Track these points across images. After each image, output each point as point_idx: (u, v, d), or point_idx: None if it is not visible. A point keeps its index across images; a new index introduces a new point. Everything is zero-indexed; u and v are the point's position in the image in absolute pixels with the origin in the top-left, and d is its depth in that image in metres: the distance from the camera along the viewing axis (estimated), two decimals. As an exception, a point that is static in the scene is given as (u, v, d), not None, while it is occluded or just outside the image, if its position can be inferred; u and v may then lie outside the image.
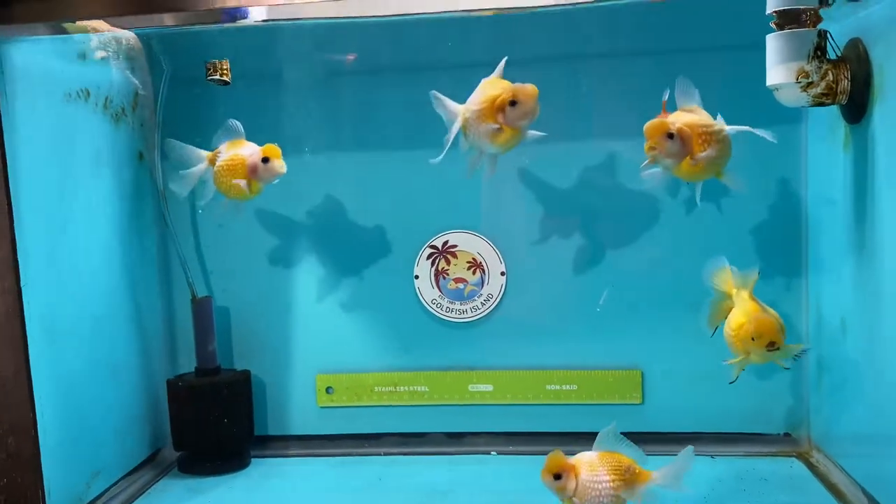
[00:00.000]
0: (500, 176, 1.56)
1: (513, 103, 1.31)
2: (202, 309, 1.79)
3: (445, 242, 1.81)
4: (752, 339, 1.35)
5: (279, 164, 1.53)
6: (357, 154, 1.80)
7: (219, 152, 1.59)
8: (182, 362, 1.88)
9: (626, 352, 1.81)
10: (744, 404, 1.77)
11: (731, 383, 1.42)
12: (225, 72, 1.67)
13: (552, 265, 1.79)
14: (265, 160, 1.53)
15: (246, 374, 1.83)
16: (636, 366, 1.81)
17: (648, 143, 1.33)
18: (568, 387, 1.83)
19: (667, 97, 1.32)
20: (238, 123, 1.58)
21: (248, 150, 1.56)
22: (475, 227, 1.80)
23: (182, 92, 1.78)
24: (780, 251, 1.75)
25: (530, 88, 1.33)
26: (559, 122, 1.68)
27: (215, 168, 1.57)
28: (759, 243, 1.76)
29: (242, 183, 1.55)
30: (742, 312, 1.38)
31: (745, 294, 1.41)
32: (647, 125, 1.34)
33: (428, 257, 1.82)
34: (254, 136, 1.58)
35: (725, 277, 1.44)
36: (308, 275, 1.86)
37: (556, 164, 1.78)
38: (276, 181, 1.55)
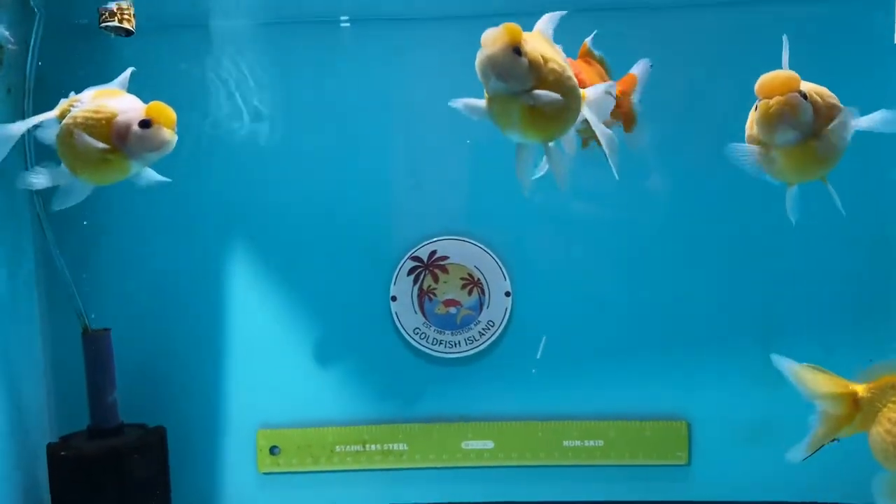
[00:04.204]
0: (505, 167, 1.20)
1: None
2: (98, 346, 1.43)
3: (433, 253, 1.52)
4: None
5: (165, 133, 1.11)
6: (315, 136, 1.51)
7: (75, 102, 1.15)
8: (70, 419, 1.51)
9: (669, 397, 1.52)
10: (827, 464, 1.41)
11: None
12: (126, 17, 1.35)
13: (572, 284, 1.52)
14: (145, 123, 1.10)
15: (159, 433, 1.48)
16: (681, 415, 1.52)
17: (774, 101, 0.97)
18: (592, 443, 1.53)
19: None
20: (128, 71, 1.18)
21: (123, 104, 1.13)
22: (471, 232, 1.52)
23: (66, 45, 1.44)
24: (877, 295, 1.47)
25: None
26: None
27: (62, 124, 1.13)
28: (848, 281, 1.48)
29: (99, 145, 1.10)
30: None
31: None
32: (771, 77, 0.99)
33: (409, 272, 1.52)
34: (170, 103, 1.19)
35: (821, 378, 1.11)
36: (246, 297, 1.55)
37: (580, 153, 1.42)
38: (156, 160, 1.15)
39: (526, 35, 0.93)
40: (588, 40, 1.16)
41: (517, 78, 0.91)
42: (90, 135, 1.10)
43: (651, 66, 1.21)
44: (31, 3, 1.35)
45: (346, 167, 1.50)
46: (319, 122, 1.50)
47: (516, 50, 0.90)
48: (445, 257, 1.52)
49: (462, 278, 1.52)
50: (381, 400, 1.55)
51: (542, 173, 1.11)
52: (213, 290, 1.53)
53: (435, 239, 1.51)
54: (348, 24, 1.48)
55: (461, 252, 1.51)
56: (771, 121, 0.97)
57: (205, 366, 1.54)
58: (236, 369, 1.55)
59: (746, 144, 1.03)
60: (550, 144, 1.00)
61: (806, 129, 0.99)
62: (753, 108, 1.00)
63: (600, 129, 1.02)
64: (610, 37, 1.30)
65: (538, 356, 1.51)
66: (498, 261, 1.51)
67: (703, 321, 1.49)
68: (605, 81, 1.16)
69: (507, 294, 1.51)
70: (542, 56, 0.92)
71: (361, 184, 1.51)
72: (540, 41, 0.95)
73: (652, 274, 1.50)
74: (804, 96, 0.98)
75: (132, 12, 1.36)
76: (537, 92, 0.92)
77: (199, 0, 1.45)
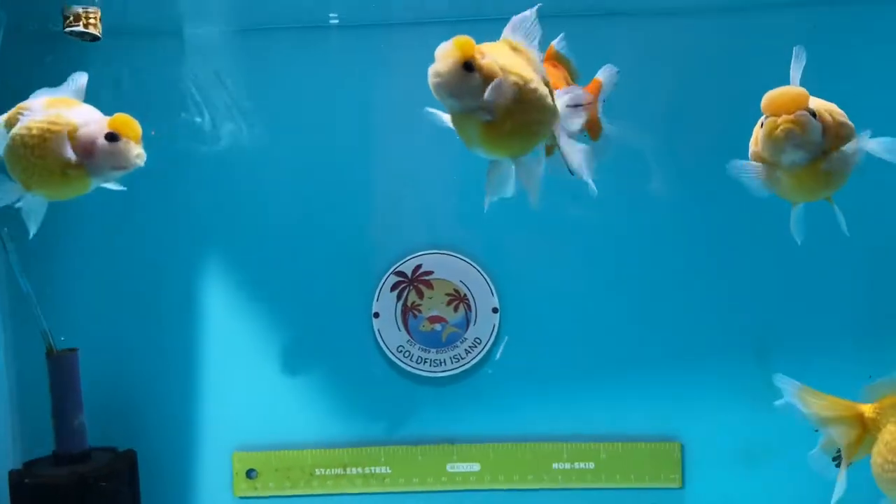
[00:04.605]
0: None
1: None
2: (63, 367, 1.37)
3: (417, 267, 1.48)
4: None
5: (133, 149, 1.04)
6: (293, 145, 1.47)
7: (23, 110, 1.06)
8: (34, 444, 1.45)
9: (662, 417, 1.47)
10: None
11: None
12: (92, 21, 1.30)
13: (562, 300, 1.47)
14: (112, 136, 1.02)
15: (129, 458, 1.42)
16: (674, 436, 1.47)
17: (782, 120, 0.92)
18: (582, 465, 1.48)
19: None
20: (83, 78, 1.09)
21: (83, 116, 1.05)
22: (458, 246, 1.48)
23: (28, 51, 1.38)
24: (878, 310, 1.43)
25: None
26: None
27: (12, 134, 1.04)
28: (848, 295, 1.43)
29: (72, 155, 1.02)
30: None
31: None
32: (779, 93, 0.94)
33: (392, 288, 1.48)
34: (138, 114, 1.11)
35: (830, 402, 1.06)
36: (221, 314, 1.50)
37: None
38: (119, 178, 1.07)
39: (484, 46, 0.88)
40: (555, 42, 1.11)
41: (468, 95, 0.86)
42: (47, 149, 1.02)
43: (618, 72, 1.16)
44: (-10, 6, 1.30)
45: (326, 178, 1.46)
46: (297, 131, 1.45)
47: (467, 65, 0.85)
48: (430, 272, 1.47)
49: (448, 294, 1.47)
50: (363, 421, 1.51)
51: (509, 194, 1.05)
52: (185, 307, 1.49)
53: (419, 253, 1.47)
54: (336, 21, 1.44)
55: (447, 267, 1.47)
56: (778, 140, 0.92)
57: (177, 386, 1.50)
58: (211, 389, 1.50)
59: (750, 162, 0.98)
60: (521, 158, 0.95)
61: (815, 149, 0.94)
62: (759, 124, 0.95)
63: (565, 144, 0.96)
64: (599, 42, 1.28)
65: (497, 357, 1.47)
66: (485, 276, 1.47)
67: (697, 338, 1.45)
68: (568, 85, 1.10)
69: (495, 310, 1.47)
70: (502, 68, 0.87)
71: (342, 195, 1.46)
72: (501, 51, 0.89)
73: (645, 290, 1.45)
74: (813, 115, 0.93)
75: (98, 16, 1.30)
76: (486, 96, 0.86)
77: (170, 5, 1.40)
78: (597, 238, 1.45)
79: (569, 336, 1.47)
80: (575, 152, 0.96)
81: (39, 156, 1.03)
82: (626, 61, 1.29)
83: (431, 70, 0.85)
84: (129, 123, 1.04)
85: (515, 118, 0.87)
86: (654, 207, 1.44)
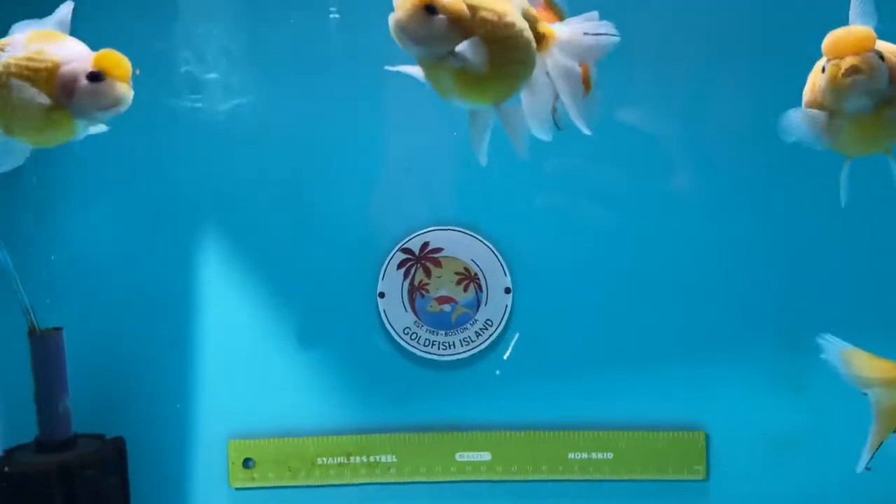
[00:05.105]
0: (506, 148, 1.10)
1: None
2: (48, 347, 1.33)
3: (425, 245, 1.44)
4: None
5: (120, 88, 0.97)
6: (294, 117, 1.42)
7: (4, 45, 1.00)
8: (16, 430, 1.41)
9: (685, 405, 1.43)
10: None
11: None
12: None
13: (579, 280, 1.43)
14: (95, 75, 0.96)
15: (118, 445, 1.39)
16: (698, 425, 1.42)
17: (845, 63, 0.86)
18: (600, 455, 1.43)
19: None
20: (67, 7, 1.01)
21: (66, 51, 0.98)
22: (468, 222, 1.43)
23: None
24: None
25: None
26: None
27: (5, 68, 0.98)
28: (880, 277, 1.38)
29: (43, 99, 0.96)
30: None
31: None
32: (843, 33, 0.88)
33: (399, 266, 1.44)
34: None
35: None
36: (217, 292, 1.46)
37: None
38: (107, 118, 1.00)
39: None
40: None
41: (432, 40, 0.80)
42: (28, 83, 0.95)
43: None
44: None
45: (328, 150, 1.42)
46: (299, 102, 1.40)
47: (429, 7, 0.80)
48: (439, 249, 1.43)
49: (457, 273, 1.43)
50: (367, 407, 1.47)
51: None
52: (179, 285, 1.45)
53: (427, 229, 1.43)
54: (338, 17, 1.41)
55: (456, 244, 1.43)
56: (843, 85, 0.86)
57: (170, 369, 1.46)
58: (205, 372, 1.46)
59: (807, 109, 0.91)
60: (504, 105, 0.88)
61: (881, 95, 0.88)
62: (818, 68, 0.90)
63: (562, 83, 0.88)
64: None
65: (506, 356, 1.43)
66: (497, 254, 1.43)
67: (721, 321, 1.41)
68: None
69: (507, 291, 1.43)
70: (471, 4, 0.80)
71: (346, 168, 1.42)
72: None
73: (668, 272, 1.41)
74: (881, 57, 0.87)
75: None
76: (459, 50, 0.80)
77: None
78: (618, 215, 1.41)
79: (586, 318, 1.43)
80: (576, 98, 0.89)
81: (17, 96, 0.95)
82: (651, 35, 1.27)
83: (391, 17, 0.80)
84: (115, 60, 0.97)
85: (493, 60, 0.81)
86: (679, 187, 1.41)
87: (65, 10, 1.00)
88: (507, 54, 0.82)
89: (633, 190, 1.40)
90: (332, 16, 1.38)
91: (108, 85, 0.96)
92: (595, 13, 0.89)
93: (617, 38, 0.88)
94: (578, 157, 1.41)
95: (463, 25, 0.80)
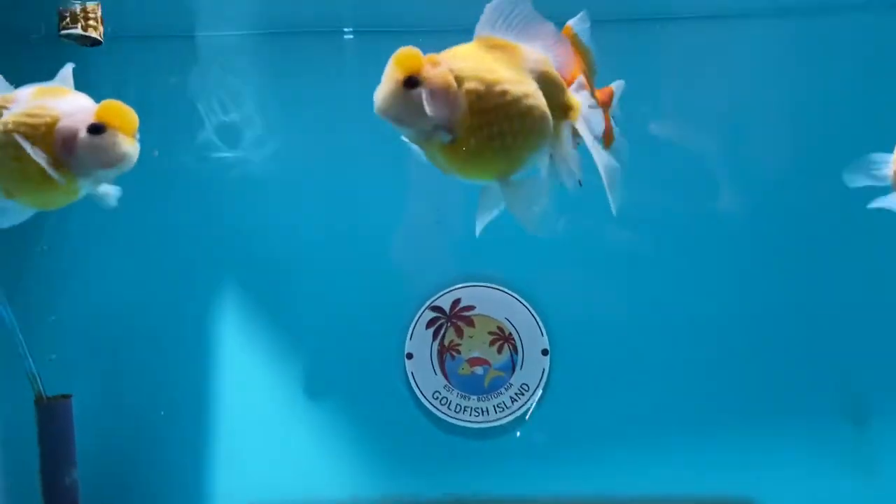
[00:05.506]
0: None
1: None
2: (55, 416, 1.29)
3: (456, 302, 1.40)
4: None
5: (122, 142, 0.91)
6: (316, 163, 1.40)
7: (9, 102, 0.95)
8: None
9: (734, 478, 1.38)
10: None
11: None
12: (92, 24, 1.22)
13: (620, 341, 1.39)
14: (96, 128, 0.90)
15: None
16: (747, 498, 1.37)
17: None
18: None
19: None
20: (67, 69, 0.98)
21: (68, 105, 0.93)
22: (502, 278, 1.40)
23: (19, 55, 1.29)
24: None
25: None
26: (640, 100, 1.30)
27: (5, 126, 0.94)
28: None
29: (42, 160, 0.91)
30: None
31: None
32: None
33: (428, 325, 1.40)
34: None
35: None
36: (235, 353, 1.42)
37: (639, 171, 1.31)
38: (112, 178, 0.95)
39: (447, 52, 0.76)
40: (572, 22, 0.97)
41: (414, 117, 0.74)
42: (28, 140, 0.90)
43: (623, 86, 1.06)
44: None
45: (353, 199, 1.39)
46: (321, 147, 1.39)
47: (410, 81, 0.74)
48: (471, 307, 1.39)
49: (490, 333, 1.39)
50: (393, 476, 1.42)
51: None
52: (195, 346, 1.41)
53: (458, 286, 1.40)
54: (352, 36, 1.39)
55: (489, 301, 1.40)
56: None
57: (185, 435, 1.41)
58: (223, 439, 1.42)
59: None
60: (510, 181, 0.81)
61: None
62: None
63: (596, 151, 0.81)
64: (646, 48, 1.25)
65: (527, 417, 1.38)
66: (533, 312, 1.39)
67: (777, 387, 1.36)
68: (587, 79, 0.97)
69: (545, 352, 1.39)
70: (460, 75, 0.74)
71: (372, 219, 1.39)
72: (468, 53, 0.77)
73: (717, 331, 1.37)
74: None
75: (99, 16, 1.21)
76: (438, 124, 0.74)
77: (182, 7, 1.31)
78: (661, 273, 1.37)
79: (629, 382, 1.38)
80: (611, 170, 0.82)
81: (15, 156, 0.90)
82: (677, 66, 1.26)
83: (375, 94, 0.75)
84: (118, 111, 0.91)
85: (482, 132, 0.74)
86: (727, 238, 1.36)
87: (66, 71, 0.96)
88: (500, 125, 0.75)
89: (680, 244, 1.35)
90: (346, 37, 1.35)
91: (109, 138, 0.89)
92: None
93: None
94: (633, 203, 1.36)
95: (449, 98, 0.74)
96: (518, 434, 1.39)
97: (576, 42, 0.98)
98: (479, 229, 0.83)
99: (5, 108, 0.93)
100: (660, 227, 1.37)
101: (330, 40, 1.36)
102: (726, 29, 1.34)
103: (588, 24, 0.95)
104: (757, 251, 1.36)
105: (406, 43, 1.34)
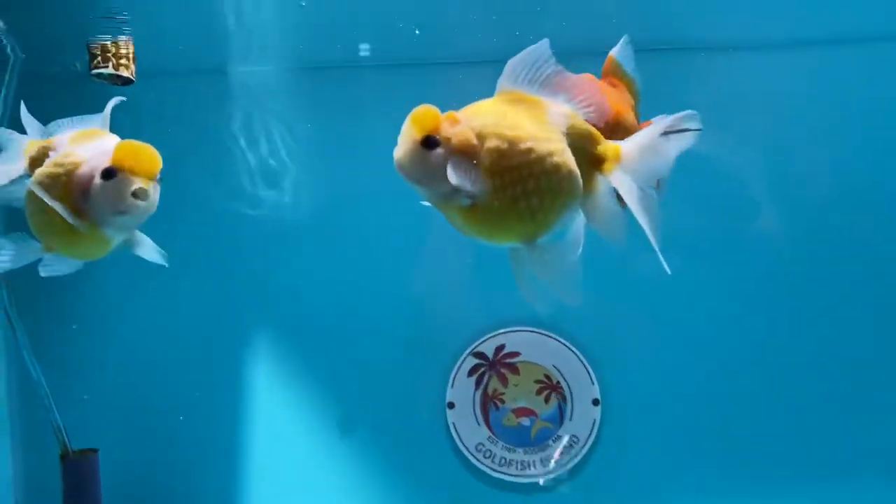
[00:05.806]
0: (589, 241, 0.97)
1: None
2: (81, 471, 1.25)
3: (499, 348, 1.37)
4: None
5: (131, 186, 0.84)
6: (352, 204, 1.38)
7: (51, 147, 0.91)
8: None
9: None
10: None
11: None
12: (124, 62, 1.19)
13: (676, 391, 1.35)
14: (108, 172, 0.84)
15: None
16: None
17: None
18: None
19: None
20: (109, 104, 0.93)
21: (94, 150, 0.88)
22: (549, 323, 1.37)
23: (50, 94, 1.20)
24: None
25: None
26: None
27: (34, 177, 0.90)
28: None
29: (60, 208, 0.86)
30: None
31: None
32: None
33: (470, 373, 1.37)
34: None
35: None
36: (268, 404, 1.40)
37: (694, 199, 1.31)
38: (134, 226, 0.89)
39: (468, 108, 0.72)
40: (615, 51, 0.90)
41: (432, 178, 0.71)
42: (50, 194, 0.85)
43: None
44: (3, 43, 1.17)
45: (390, 242, 1.36)
46: (357, 190, 1.37)
47: (428, 142, 0.71)
48: (515, 354, 1.36)
49: (537, 381, 1.36)
50: None
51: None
52: (227, 397, 1.40)
53: (503, 330, 1.36)
54: (368, 53, 1.35)
55: (535, 347, 1.36)
56: None
57: (217, 491, 1.39)
58: (256, 491, 1.39)
59: None
60: (537, 244, 0.75)
61: None
62: None
63: (641, 210, 0.74)
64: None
65: (541, 483, 1.34)
66: (583, 359, 1.35)
67: (847, 434, 1.30)
68: (633, 112, 0.93)
69: (596, 402, 1.34)
70: (482, 133, 0.70)
71: (409, 262, 1.36)
72: (491, 109, 0.73)
73: (783, 380, 1.33)
74: None
75: (132, 53, 1.18)
76: (455, 185, 0.70)
77: (215, 44, 1.29)
78: (719, 317, 1.32)
79: (686, 435, 1.34)
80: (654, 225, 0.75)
81: (42, 208, 0.86)
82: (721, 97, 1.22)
83: (394, 153, 0.72)
84: (137, 154, 0.84)
85: (505, 193, 0.70)
86: (792, 277, 1.31)
87: (107, 109, 0.91)
88: (526, 184, 0.70)
89: (736, 291, 1.30)
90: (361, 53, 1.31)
91: (120, 182, 0.82)
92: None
93: (700, 129, 0.75)
94: (673, 251, 1.28)
95: (469, 159, 0.70)
96: (541, 482, 1.33)
97: (619, 72, 0.92)
98: (533, 301, 0.78)
99: (47, 154, 0.89)
100: (712, 278, 1.31)
101: (363, 80, 1.34)
102: (770, 60, 1.30)
103: (631, 51, 0.90)
104: (815, 300, 1.31)
105: (453, 73, 1.29)
